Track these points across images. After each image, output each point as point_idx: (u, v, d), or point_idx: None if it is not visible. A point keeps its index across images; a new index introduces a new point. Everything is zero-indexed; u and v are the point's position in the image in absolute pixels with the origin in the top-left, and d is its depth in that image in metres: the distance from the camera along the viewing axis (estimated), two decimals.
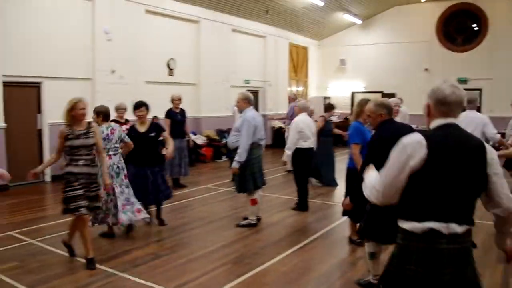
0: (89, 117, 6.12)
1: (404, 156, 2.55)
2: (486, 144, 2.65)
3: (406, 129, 4.19)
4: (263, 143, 7.42)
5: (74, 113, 5.48)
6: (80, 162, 5.43)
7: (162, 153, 7.32)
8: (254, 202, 7.31)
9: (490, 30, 18.91)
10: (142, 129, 7.00)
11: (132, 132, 7.07)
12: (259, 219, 7.50)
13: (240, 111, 7.38)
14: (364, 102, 6.13)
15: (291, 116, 13.03)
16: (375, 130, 4.83)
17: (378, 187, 2.72)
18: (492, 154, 2.62)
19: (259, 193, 7.38)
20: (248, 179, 7.13)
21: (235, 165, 7.04)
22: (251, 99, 7.35)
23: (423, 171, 2.52)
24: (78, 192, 5.36)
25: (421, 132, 2.65)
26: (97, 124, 6.47)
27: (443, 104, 2.63)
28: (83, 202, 5.37)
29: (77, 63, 11.62)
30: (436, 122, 2.67)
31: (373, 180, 2.81)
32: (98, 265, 5.52)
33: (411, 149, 2.54)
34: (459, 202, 2.54)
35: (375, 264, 4.71)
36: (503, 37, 18.44)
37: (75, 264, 5.59)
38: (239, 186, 7.30)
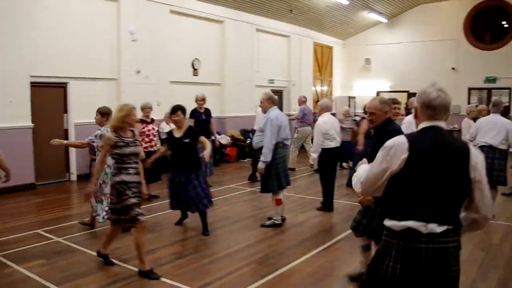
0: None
1: (387, 157, 2.63)
2: (471, 148, 2.66)
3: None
4: (288, 142, 7.37)
5: (129, 119, 5.32)
6: (131, 171, 5.29)
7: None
8: (278, 202, 7.26)
9: None
10: (178, 134, 6.73)
11: (169, 137, 6.94)
12: (283, 219, 7.46)
13: (264, 111, 7.34)
14: (390, 101, 6.07)
15: (301, 118, 12.99)
16: (377, 128, 4.73)
17: (362, 180, 2.89)
18: (477, 158, 2.63)
19: (283, 193, 7.33)
20: (272, 179, 7.08)
21: (260, 165, 7.00)
22: (274, 99, 7.31)
23: (404, 172, 2.58)
24: (134, 200, 5.22)
25: (407, 134, 2.74)
26: (99, 124, 6.85)
27: (428, 108, 2.68)
28: (140, 210, 5.29)
29: (103, 64, 11.75)
30: (422, 125, 2.73)
31: (361, 173, 2.97)
32: (122, 264, 5.57)
33: (394, 151, 2.62)
34: (439, 202, 2.57)
35: (369, 256, 4.75)
36: None
37: (100, 263, 5.61)
38: (263, 186, 7.25)
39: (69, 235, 6.79)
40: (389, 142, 2.68)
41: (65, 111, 11.13)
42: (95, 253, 5.77)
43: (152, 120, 9.14)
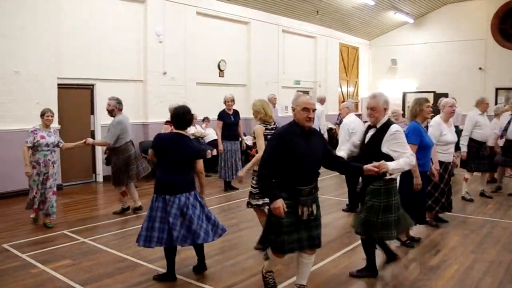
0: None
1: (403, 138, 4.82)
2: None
3: None
4: None
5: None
6: None
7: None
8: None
9: None
10: None
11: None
12: None
13: None
14: (423, 101, 6.05)
15: None
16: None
17: (410, 158, 4.66)
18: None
19: None
20: None
21: None
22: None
23: None
24: None
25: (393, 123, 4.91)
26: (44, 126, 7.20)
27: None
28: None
29: (129, 65, 11.85)
30: (386, 117, 4.88)
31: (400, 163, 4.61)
32: (148, 264, 5.57)
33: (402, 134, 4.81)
34: None
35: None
36: None
37: (125, 264, 5.63)
38: None
39: (95, 235, 6.83)
40: (399, 129, 4.76)
41: (92, 112, 11.23)
42: (120, 254, 5.82)
43: None
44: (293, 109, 4.29)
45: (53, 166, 7.27)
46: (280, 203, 4.15)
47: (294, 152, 4.15)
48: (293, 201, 4.21)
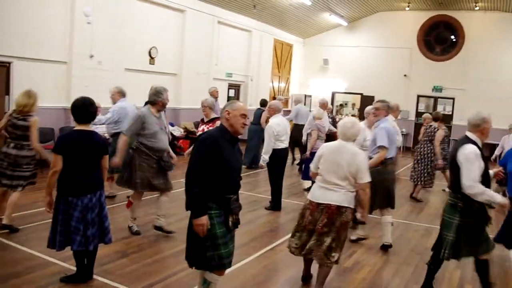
0: None
1: None
2: None
3: None
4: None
5: None
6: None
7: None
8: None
9: (465, 43, 19.68)
10: None
11: None
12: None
13: (114, 102, 8.29)
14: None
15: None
16: None
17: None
18: None
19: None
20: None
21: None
22: (123, 91, 8.30)
23: None
24: None
25: None
26: None
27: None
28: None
29: (53, 45, 11.09)
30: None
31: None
32: (61, 263, 5.24)
33: None
34: None
35: None
36: (476, 50, 19.19)
37: (36, 262, 5.25)
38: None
39: (2, 230, 6.14)
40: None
41: (7, 93, 10.30)
42: (31, 251, 5.49)
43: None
44: (228, 113, 3.91)
45: None
46: (205, 220, 3.78)
47: (225, 159, 3.81)
48: (222, 210, 3.89)
